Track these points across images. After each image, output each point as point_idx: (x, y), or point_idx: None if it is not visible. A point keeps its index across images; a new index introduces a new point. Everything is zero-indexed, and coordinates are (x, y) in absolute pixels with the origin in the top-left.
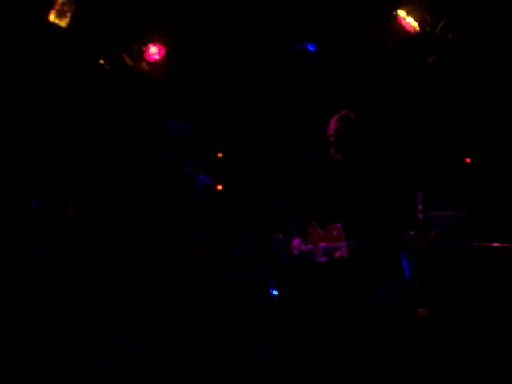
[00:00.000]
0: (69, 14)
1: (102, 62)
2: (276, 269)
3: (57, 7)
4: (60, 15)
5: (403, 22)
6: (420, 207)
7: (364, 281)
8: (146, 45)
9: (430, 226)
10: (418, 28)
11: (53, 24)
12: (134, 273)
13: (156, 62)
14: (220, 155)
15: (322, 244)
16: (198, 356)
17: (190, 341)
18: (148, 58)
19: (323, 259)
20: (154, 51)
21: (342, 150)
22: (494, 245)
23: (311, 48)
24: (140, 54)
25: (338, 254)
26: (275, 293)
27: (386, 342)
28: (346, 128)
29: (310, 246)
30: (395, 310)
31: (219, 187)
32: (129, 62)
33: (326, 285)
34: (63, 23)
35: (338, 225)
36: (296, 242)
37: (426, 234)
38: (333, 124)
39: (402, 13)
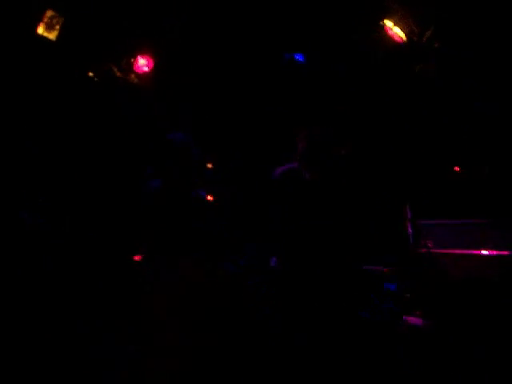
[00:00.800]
0: (57, 27)
1: (91, 74)
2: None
3: (45, 20)
4: (49, 28)
5: (390, 32)
6: (409, 216)
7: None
8: (134, 57)
9: (421, 234)
10: (404, 38)
11: (41, 37)
12: (133, 283)
13: (145, 74)
14: (210, 166)
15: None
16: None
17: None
18: (137, 70)
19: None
20: (142, 63)
21: (308, 169)
22: (484, 253)
23: (300, 58)
24: (129, 66)
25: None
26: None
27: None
28: (310, 148)
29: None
30: (385, 321)
31: (209, 198)
32: (118, 74)
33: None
34: (52, 36)
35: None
36: (273, 260)
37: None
38: (298, 143)
39: (388, 23)
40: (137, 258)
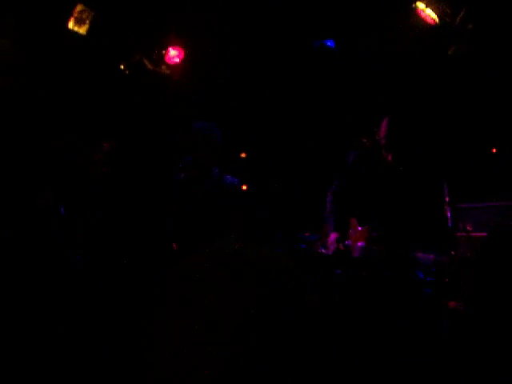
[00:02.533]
0: (87, 21)
1: (122, 67)
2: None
3: (75, 15)
4: (79, 22)
5: (423, 14)
6: (447, 199)
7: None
8: (165, 48)
9: (461, 218)
10: (437, 19)
11: (72, 31)
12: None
13: (176, 65)
14: (243, 155)
15: (360, 243)
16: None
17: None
18: (168, 61)
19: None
20: (173, 54)
21: (393, 151)
22: None
23: (330, 44)
24: (160, 58)
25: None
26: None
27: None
28: (396, 131)
29: (347, 242)
30: (425, 303)
31: (244, 187)
32: (149, 66)
33: (361, 283)
34: (82, 30)
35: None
36: (333, 236)
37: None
38: (384, 127)
39: (421, 5)
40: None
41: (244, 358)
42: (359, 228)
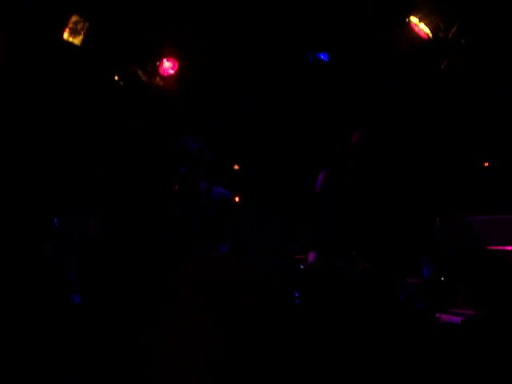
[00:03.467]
0: (82, 32)
1: (116, 78)
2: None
3: (70, 25)
4: (73, 33)
5: (416, 29)
6: (438, 212)
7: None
8: (159, 60)
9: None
10: (430, 34)
11: (66, 42)
12: (161, 287)
13: (170, 77)
14: (236, 167)
15: (338, 262)
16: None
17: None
18: (162, 73)
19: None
20: (167, 66)
21: (356, 172)
22: None
23: (324, 57)
24: (154, 70)
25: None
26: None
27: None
28: (362, 151)
29: (326, 260)
30: (416, 316)
31: (236, 199)
32: (143, 77)
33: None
34: (77, 41)
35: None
36: (312, 255)
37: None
38: (348, 146)
39: (414, 19)
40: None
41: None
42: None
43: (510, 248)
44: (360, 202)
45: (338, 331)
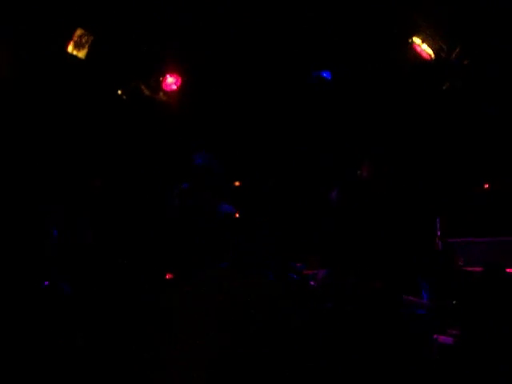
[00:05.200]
0: (87, 46)
1: (119, 92)
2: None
3: (75, 39)
4: (78, 46)
5: (419, 49)
6: (438, 234)
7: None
8: (163, 75)
9: (452, 252)
10: (433, 55)
11: (71, 55)
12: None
13: (173, 92)
14: (237, 184)
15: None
16: None
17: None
18: (165, 88)
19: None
20: (171, 81)
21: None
22: None
23: (327, 76)
24: (157, 85)
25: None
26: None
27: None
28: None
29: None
30: (415, 338)
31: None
32: (146, 92)
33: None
34: (81, 54)
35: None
36: (322, 272)
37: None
38: (366, 168)
39: (417, 40)
40: (168, 275)
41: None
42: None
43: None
44: (372, 220)
45: (345, 345)
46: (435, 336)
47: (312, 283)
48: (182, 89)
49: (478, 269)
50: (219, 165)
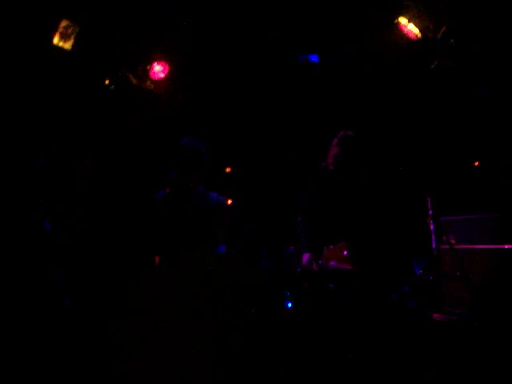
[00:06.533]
0: (72, 37)
1: (107, 82)
2: (289, 281)
3: (60, 30)
4: (64, 38)
5: (405, 30)
6: (430, 213)
7: (373, 296)
8: (150, 63)
9: (444, 230)
10: (419, 35)
11: (56, 47)
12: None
13: (161, 80)
14: (228, 170)
15: (332, 263)
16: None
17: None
18: (153, 77)
19: (330, 285)
20: (158, 69)
21: (344, 172)
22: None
23: (314, 59)
24: (145, 73)
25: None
26: (289, 304)
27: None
28: (345, 152)
29: (320, 261)
30: (410, 317)
31: (229, 202)
32: (134, 81)
33: (336, 301)
34: (67, 45)
35: (347, 244)
36: (306, 257)
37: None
38: (333, 150)
39: (403, 20)
40: (156, 258)
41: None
42: (331, 246)
43: (505, 247)
44: (350, 201)
45: (332, 332)
46: (430, 314)
47: (298, 270)
48: (169, 77)
49: (470, 246)
50: (206, 150)
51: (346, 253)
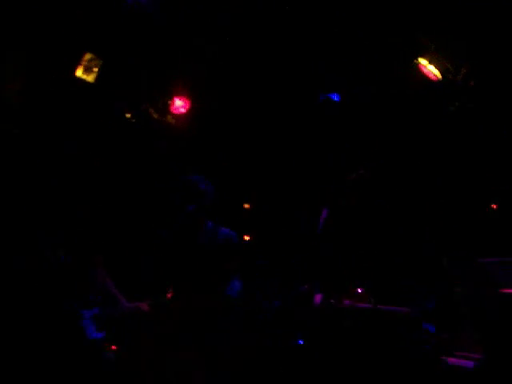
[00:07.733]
0: (95, 70)
1: (128, 115)
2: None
3: (84, 63)
4: (87, 71)
5: (425, 71)
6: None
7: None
8: (171, 98)
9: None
10: (439, 76)
11: (80, 79)
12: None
13: (181, 115)
14: (247, 206)
15: (346, 302)
16: None
17: None
18: (174, 112)
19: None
20: (179, 104)
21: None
22: None
23: (335, 98)
24: (166, 108)
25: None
26: (301, 342)
27: None
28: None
29: (332, 301)
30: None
31: (246, 238)
32: (155, 115)
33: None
34: (90, 78)
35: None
36: (318, 297)
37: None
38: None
39: (423, 61)
40: (168, 295)
41: None
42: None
43: None
44: (362, 239)
45: (347, 370)
46: (443, 357)
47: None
48: (190, 112)
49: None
50: (217, 189)
51: (360, 291)
